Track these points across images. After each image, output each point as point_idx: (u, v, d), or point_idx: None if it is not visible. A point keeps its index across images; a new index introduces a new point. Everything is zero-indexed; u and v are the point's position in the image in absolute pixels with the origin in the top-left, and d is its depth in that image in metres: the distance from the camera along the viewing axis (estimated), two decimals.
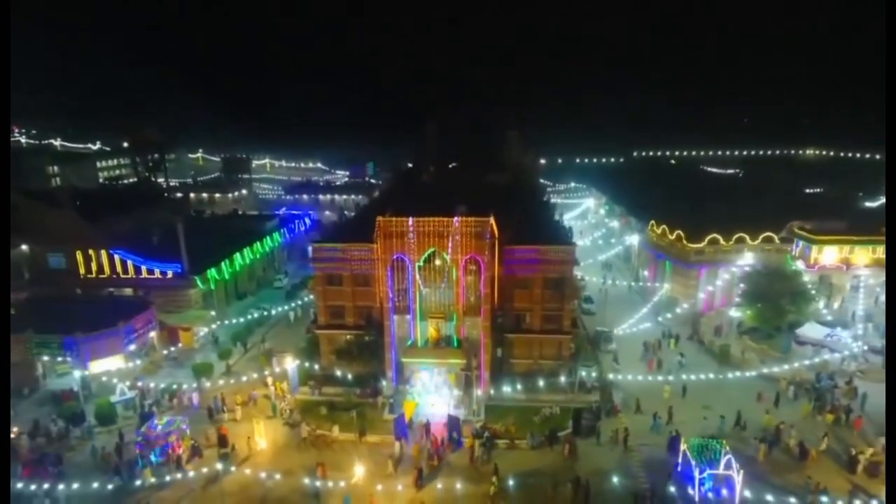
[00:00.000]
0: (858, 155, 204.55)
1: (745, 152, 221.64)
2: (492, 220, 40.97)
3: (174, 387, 42.62)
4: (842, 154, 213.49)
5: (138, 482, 31.45)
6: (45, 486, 30.45)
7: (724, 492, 30.66)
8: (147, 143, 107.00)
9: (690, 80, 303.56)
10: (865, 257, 54.17)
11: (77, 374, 43.39)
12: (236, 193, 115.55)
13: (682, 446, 32.17)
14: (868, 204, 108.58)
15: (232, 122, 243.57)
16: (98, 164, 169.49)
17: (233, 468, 32.68)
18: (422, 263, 41.46)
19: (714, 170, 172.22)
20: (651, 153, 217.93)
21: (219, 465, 31.89)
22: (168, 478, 31.90)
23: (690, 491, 30.65)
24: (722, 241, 56.77)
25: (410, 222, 40.43)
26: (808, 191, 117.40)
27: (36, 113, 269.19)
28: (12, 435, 35.73)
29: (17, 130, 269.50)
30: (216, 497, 30.29)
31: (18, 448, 34.77)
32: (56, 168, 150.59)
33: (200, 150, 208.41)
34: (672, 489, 30.40)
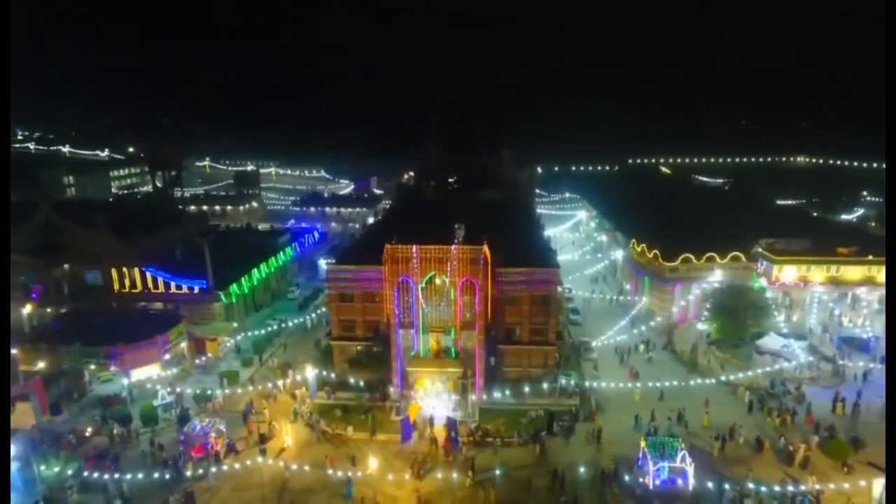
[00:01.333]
0: (846, 163, 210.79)
1: (738, 159, 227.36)
2: (485, 247, 47.06)
3: (208, 392, 48.67)
4: (831, 162, 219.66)
5: (188, 473, 37.51)
6: (109, 476, 36.60)
7: (680, 481, 36.73)
8: (166, 161, 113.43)
9: (688, 83, 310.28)
10: (821, 275, 60.25)
11: (125, 381, 49.51)
12: (247, 206, 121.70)
13: (642, 443, 38.24)
14: (845, 216, 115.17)
15: (238, 131, 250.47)
16: (110, 174, 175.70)
17: (270, 461, 38.82)
18: (424, 284, 47.52)
19: (705, 179, 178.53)
20: (646, 160, 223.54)
21: (259, 459, 38.14)
22: (214, 469, 38.09)
23: (645, 480, 36.72)
24: (694, 260, 62.91)
25: (414, 250, 46.50)
26: (789, 202, 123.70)
27: (37, 115, 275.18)
28: (88, 433, 42.12)
29: (20, 134, 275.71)
30: (256, 485, 36.40)
31: (83, 445, 41.15)
32: (71, 178, 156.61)
33: (207, 159, 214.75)
34: (626, 478, 36.58)
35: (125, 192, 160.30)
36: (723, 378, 51.12)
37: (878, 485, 31.64)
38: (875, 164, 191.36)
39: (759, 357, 54.50)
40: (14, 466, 36.51)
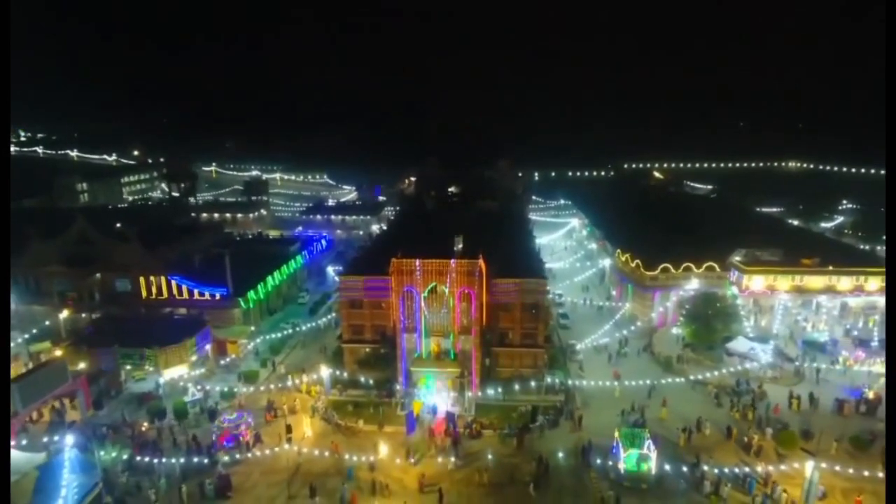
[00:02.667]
0: (837, 168, 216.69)
1: (731, 164, 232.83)
2: (480, 260, 52.94)
3: (235, 390, 54.62)
4: (821, 167, 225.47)
5: (226, 458, 43.54)
6: (158, 461, 42.63)
7: (644, 466, 42.59)
8: (182, 172, 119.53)
9: (686, 87, 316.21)
10: (786, 284, 66.15)
11: (161, 380, 55.48)
12: (256, 214, 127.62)
13: (616, 433, 44.13)
14: (824, 224, 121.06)
15: (241, 135, 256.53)
16: (121, 180, 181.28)
17: (295, 447, 44.80)
18: (426, 293, 53.46)
19: (696, 185, 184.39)
20: (641, 165, 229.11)
21: (286, 446, 44.15)
22: (251, 455, 44.34)
23: (617, 464, 42.62)
24: (672, 270, 68.80)
25: (417, 263, 52.37)
26: (773, 209, 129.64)
27: (38, 116, 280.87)
28: (144, 428, 48.19)
29: (22, 135, 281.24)
30: (281, 470, 42.38)
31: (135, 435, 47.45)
32: (84, 185, 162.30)
33: (214, 164, 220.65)
34: (598, 461, 42.60)
35: (137, 198, 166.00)
36: (691, 377, 56.94)
37: (809, 466, 37.61)
38: (864, 170, 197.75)
39: (728, 358, 60.30)
40: (72, 453, 42.39)
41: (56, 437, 44.25)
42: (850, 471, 40.52)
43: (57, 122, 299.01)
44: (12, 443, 44.21)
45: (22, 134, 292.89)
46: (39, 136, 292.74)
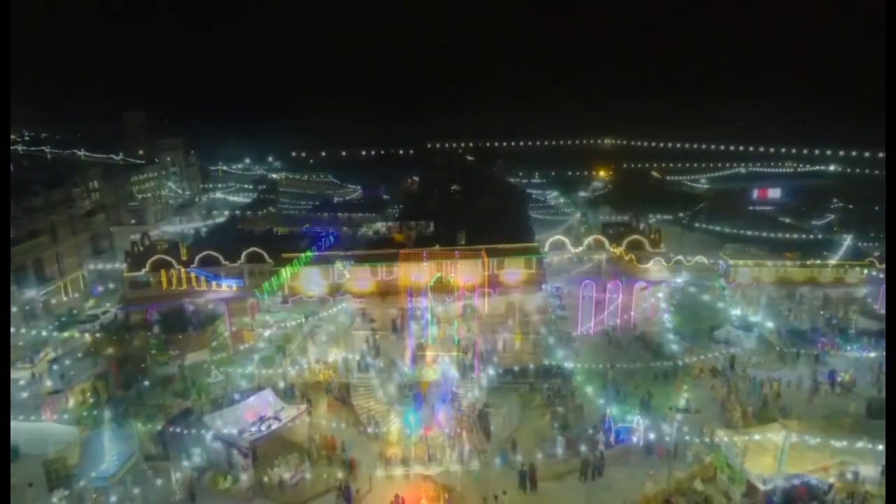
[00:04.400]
0: (830, 168, 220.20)
1: (727, 164, 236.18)
2: (482, 252, 57.05)
3: (255, 372, 58.76)
4: (816, 167, 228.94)
5: (252, 428, 47.56)
6: (187, 433, 46.68)
7: (633, 438, 46.72)
8: (191, 171, 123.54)
9: (686, 87, 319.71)
10: (771, 276, 70.21)
11: (186, 363, 59.66)
12: (264, 211, 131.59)
13: (607, 409, 48.21)
14: (815, 222, 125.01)
15: (243, 134, 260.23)
16: (131, 179, 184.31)
17: (314, 420, 48.97)
18: (432, 283, 57.53)
19: (694, 185, 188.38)
20: (640, 165, 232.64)
21: (307, 419, 48.33)
22: (273, 428, 48.24)
23: (607, 435, 46.74)
24: (664, 263, 72.73)
25: (424, 254, 56.50)
26: (766, 208, 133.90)
27: (38, 116, 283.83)
28: (188, 406, 52.35)
29: (26, 134, 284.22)
30: (299, 442, 46.57)
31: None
32: (96, 183, 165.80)
33: (220, 164, 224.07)
34: (590, 431, 46.77)
35: (147, 196, 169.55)
36: (679, 362, 60.98)
37: (782, 436, 41.65)
38: (857, 169, 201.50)
39: (715, 345, 64.35)
40: (110, 425, 46.41)
41: (94, 412, 48.30)
42: (818, 440, 44.43)
43: (59, 121, 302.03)
44: (54, 417, 48.67)
45: (25, 134, 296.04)
46: (43, 135, 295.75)
